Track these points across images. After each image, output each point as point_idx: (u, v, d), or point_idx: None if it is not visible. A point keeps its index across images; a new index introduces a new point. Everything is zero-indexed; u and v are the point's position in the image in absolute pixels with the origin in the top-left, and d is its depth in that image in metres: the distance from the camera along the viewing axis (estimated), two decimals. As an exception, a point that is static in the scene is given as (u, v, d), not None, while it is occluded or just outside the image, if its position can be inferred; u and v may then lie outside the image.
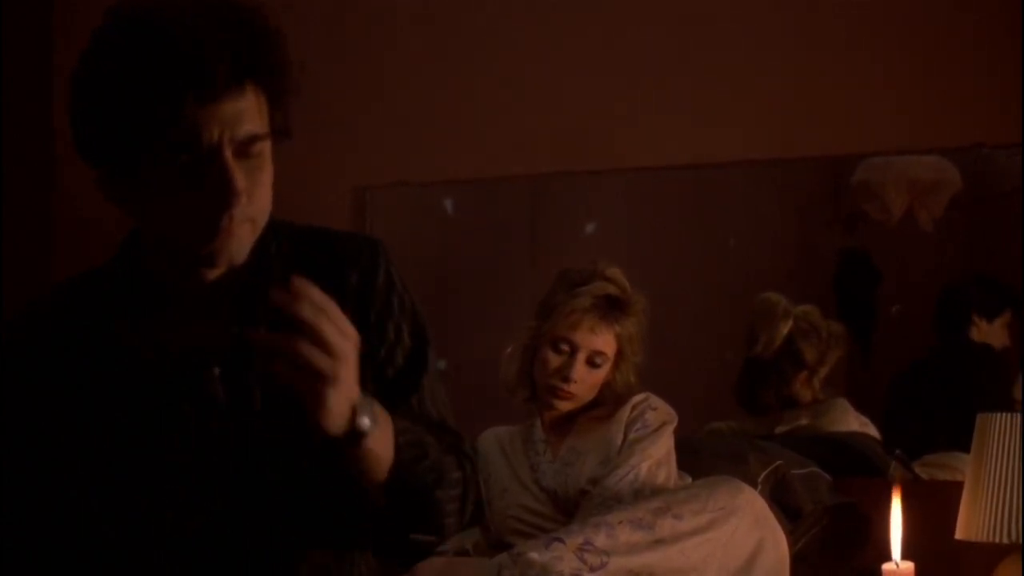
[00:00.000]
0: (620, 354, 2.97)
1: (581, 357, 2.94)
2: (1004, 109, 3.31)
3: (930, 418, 3.47)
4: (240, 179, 1.61)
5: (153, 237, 1.70)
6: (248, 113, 1.63)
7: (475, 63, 3.92)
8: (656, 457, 2.89)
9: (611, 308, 2.95)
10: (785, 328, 3.49)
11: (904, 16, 3.50)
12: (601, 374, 2.96)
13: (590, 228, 3.92)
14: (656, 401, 2.98)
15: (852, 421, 3.50)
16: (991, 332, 3.47)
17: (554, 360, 2.96)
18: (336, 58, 4.03)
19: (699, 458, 3.02)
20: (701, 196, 3.77)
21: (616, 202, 3.87)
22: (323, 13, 4.05)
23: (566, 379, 2.94)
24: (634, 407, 2.96)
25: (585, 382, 2.95)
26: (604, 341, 2.95)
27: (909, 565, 2.78)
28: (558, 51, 3.84)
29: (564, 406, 2.98)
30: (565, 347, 2.95)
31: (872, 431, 3.47)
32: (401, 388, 1.75)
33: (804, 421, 3.53)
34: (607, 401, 2.99)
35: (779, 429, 3.52)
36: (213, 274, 1.69)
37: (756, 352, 3.50)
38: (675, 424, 2.95)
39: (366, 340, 1.71)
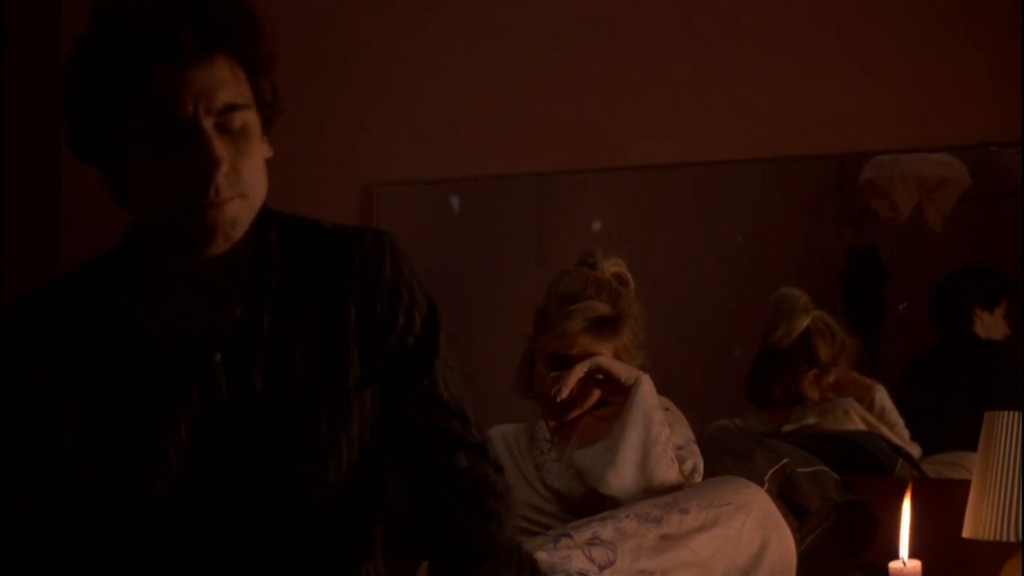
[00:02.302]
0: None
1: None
2: (1011, 107, 3.30)
3: (938, 416, 3.46)
4: (220, 147, 1.61)
5: (154, 228, 1.70)
6: (223, 83, 1.64)
7: (482, 61, 3.92)
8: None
9: (603, 327, 2.93)
10: (804, 321, 3.50)
11: (911, 13, 3.50)
12: (600, 384, 2.95)
13: (596, 226, 3.92)
14: (663, 401, 2.98)
15: (859, 420, 3.50)
16: (992, 324, 3.46)
17: (549, 375, 2.95)
18: (343, 57, 4.03)
19: (705, 455, 3.02)
20: (708, 194, 3.77)
21: (623, 200, 3.87)
22: (330, 12, 4.05)
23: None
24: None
25: (583, 394, 2.95)
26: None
27: (916, 564, 2.78)
28: (565, 49, 3.83)
29: (567, 416, 2.98)
30: (560, 363, 2.94)
31: (884, 431, 3.46)
32: (413, 372, 1.75)
33: (812, 420, 3.53)
34: (612, 402, 2.99)
35: (787, 428, 3.52)
36: (212, 251, 1.69)
37: (774, 340, 3.51)
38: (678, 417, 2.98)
39: (376, 330, 1.72)
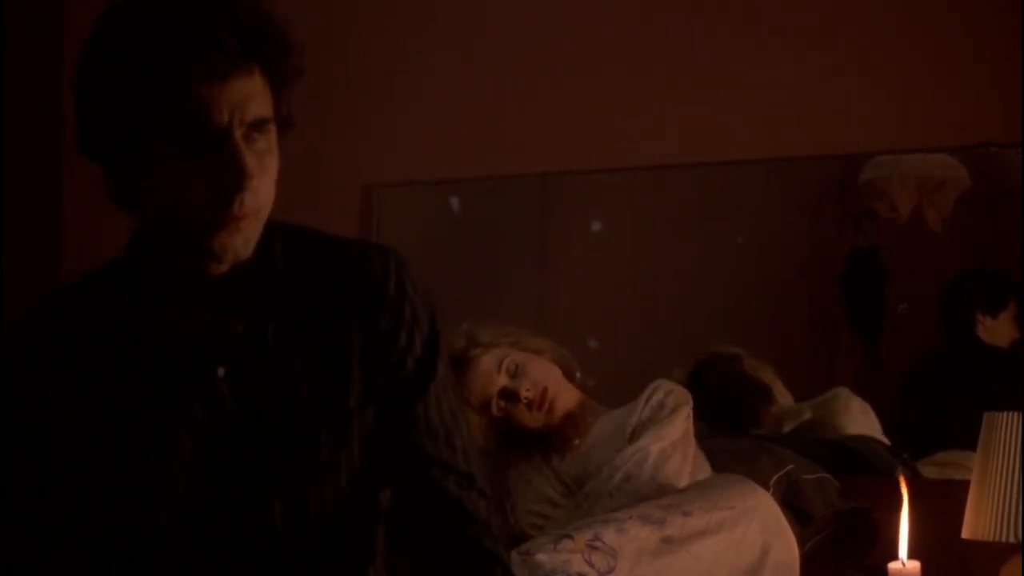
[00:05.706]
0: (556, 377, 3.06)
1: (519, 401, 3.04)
2: (1011, 108, 3.30)
3: (940, 418, 3.46)
4: (252, 160, 1.61)
5: (163, 235, 1.70)
6: (256, 95, 1.63)
7: (482, 62, 3.92)
8: (671, 439, 2.89)
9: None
10: None
11: (912, 14, 3.50)
12: (543, 386, 3.03)
13: (597, 227, 3.92)
14: (670, 384, 2.99)
15: (856, 410, 3.50)
16: (997, 328, 3.45)
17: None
18: (344, 57, 4.03)
19: (710, 457, 3.02)
20: (708, 194, 3.77)
21: (623, 201, 3.87)
22: (330, 12, 4.05)
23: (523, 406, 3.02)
24: (652, 393, 2.97)
25: (545, 390, 3.02)
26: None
27: (915, 564, 2.78)
28: (565, 49, 3.83)
29: (554, 416, 3.02)
30: (501, 403, 3.05)
31: (873, 418, 3.46)
32: (409, 394, 1.76)
33: (808, 415, 3.53)
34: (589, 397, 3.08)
35: (787, 426, 3.52)
36: (219, 269, 1.69)
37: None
38: (691, 406, 2.96)
39: (378, 347, 1.72)
